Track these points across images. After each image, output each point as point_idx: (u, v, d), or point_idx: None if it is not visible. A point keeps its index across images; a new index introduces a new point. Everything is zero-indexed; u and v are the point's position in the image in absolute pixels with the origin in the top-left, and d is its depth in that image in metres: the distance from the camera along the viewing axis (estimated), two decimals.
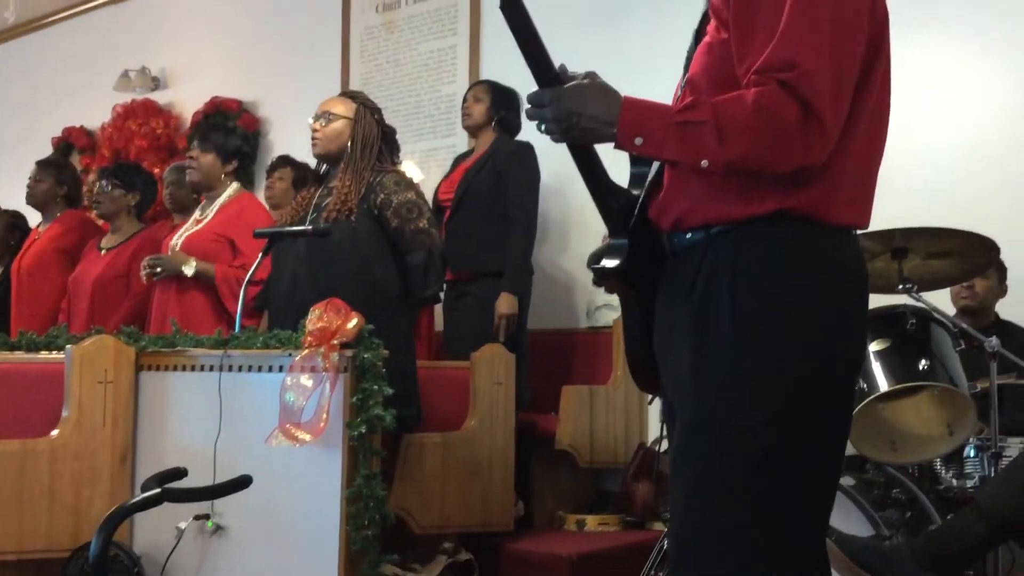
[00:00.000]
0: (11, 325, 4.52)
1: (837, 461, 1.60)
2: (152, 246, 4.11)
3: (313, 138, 3.37)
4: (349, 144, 3.34)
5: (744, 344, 1.51)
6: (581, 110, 1.53)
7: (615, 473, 3.97)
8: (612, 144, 1.54)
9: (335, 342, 2.80)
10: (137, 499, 2.36)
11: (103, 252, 4.37)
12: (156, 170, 5.63)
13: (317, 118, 3.38)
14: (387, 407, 2.82)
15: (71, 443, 3.10)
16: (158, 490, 2.31)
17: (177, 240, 3.83)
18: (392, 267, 3.28)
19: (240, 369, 3.06)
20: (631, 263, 1.66)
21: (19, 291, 4.65)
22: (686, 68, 1.68)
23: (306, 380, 2.83)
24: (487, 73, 4.84)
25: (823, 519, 1.60)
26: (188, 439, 3.13)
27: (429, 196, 4.44)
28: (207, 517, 3.01)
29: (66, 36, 7.23)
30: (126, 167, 4.80)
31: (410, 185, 3.37)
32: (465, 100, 4.32)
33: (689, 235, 1.60)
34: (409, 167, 5.07)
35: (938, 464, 2.88)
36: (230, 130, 4.09)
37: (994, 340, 2.72)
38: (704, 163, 1.48)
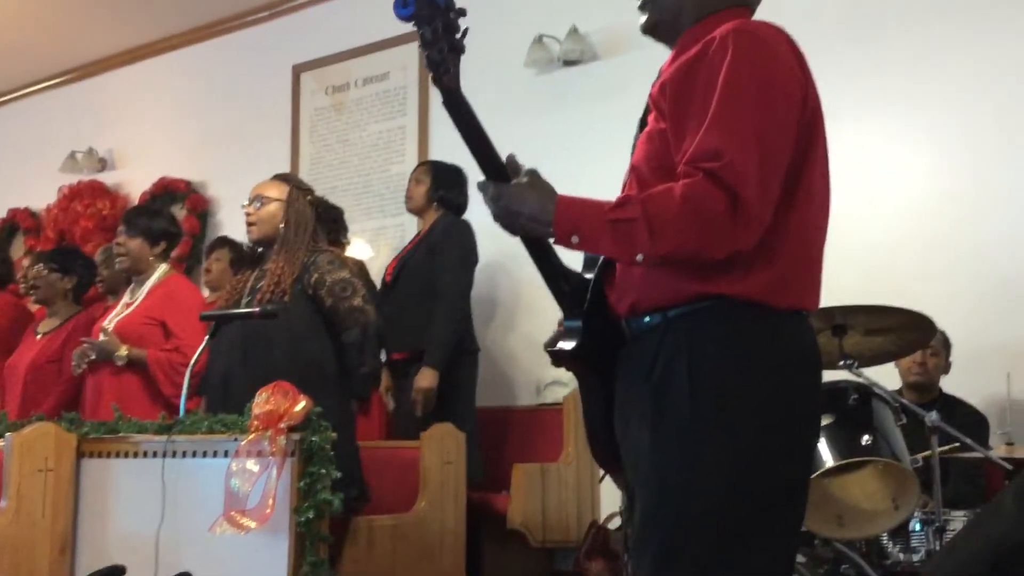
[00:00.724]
0: None
1: (795, 537, 1.62)
2: (85, 328, 4.03)
3: (248, 223, 3.38)
4: (282, 226, 3.35)
5: (702, 422, 1.53)
6: (519, 209, 1.57)
7: (568, 552, 3.94)
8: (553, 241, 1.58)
9: (282, 425, 2.77)
10: None
11: (39, 336, 4.30)
12: None
13: (251, 201, 3.39)
14: (335, 491, 2.78)
15: (9, 534, 3.01)
16: None
17: (108, 324, 3.77)
18: (328, 346, 3.27)
19: (184, 455, 2.99)
20: (587, 345, 1.68)
21: None
22: (632, 154, 1.72)
23: (252, 465, 2.78)
24: (436, 152, 4.90)
25: None
26: (130, 528, 3.05)
27: (378, 275, 4.46)
28: None
29: (13, 117, 7.22)
30: (63, 251, 4.76)
31: (344, 264, 3.38)
32: (409, 183, 4.35)
33: (647, 319, 1.62)
34: (359, 245, 5.09)
35: (885, 538, 2.90)
36: (155, 212, 4.09)
37: (934, 415, 2.76)
38: (639, 257, 1.51)
